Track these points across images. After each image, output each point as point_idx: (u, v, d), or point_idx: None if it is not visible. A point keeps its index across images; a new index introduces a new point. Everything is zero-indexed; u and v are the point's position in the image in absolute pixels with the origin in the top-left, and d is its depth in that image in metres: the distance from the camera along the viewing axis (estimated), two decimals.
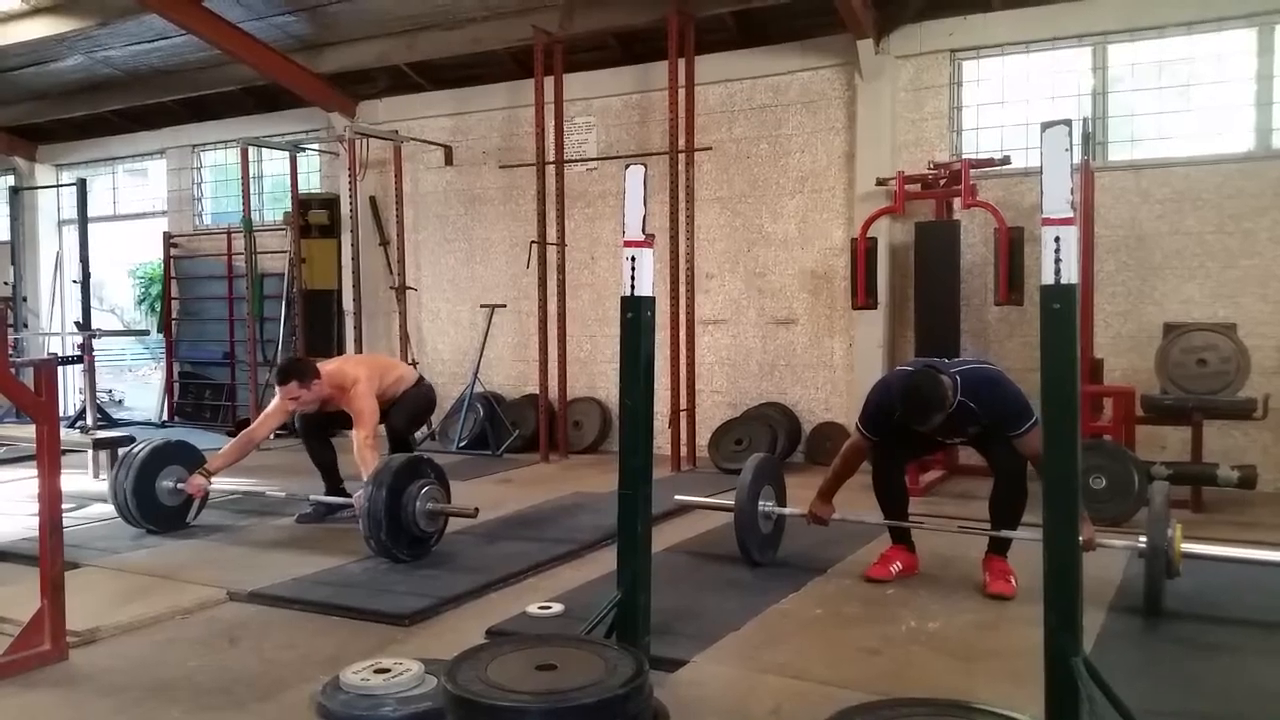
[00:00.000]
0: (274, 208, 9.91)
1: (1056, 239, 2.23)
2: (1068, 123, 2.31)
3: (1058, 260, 2.22)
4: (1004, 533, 3.87)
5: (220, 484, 5.26)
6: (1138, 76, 6.45)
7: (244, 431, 5.21)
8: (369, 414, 4.94)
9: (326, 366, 5.09)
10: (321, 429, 5.35)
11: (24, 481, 6.20)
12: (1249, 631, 3.38)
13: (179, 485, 4.96)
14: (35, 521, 3.17)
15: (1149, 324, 6.12)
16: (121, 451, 5.04)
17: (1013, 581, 3.79)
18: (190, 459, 5.09)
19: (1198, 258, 6.15)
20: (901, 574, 4.05)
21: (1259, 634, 3.36)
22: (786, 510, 4.38)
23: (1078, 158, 5.75)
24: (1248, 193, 6.01)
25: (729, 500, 4.31)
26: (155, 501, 4.95)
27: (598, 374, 8.05)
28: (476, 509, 4.49)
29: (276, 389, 4.95)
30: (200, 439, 8.81)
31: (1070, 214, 2.24)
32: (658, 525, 4.19)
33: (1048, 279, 2.24)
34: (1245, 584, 3.96)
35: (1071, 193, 2.26)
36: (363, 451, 4.76)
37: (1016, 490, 3.83)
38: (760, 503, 4.26)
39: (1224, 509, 5.34)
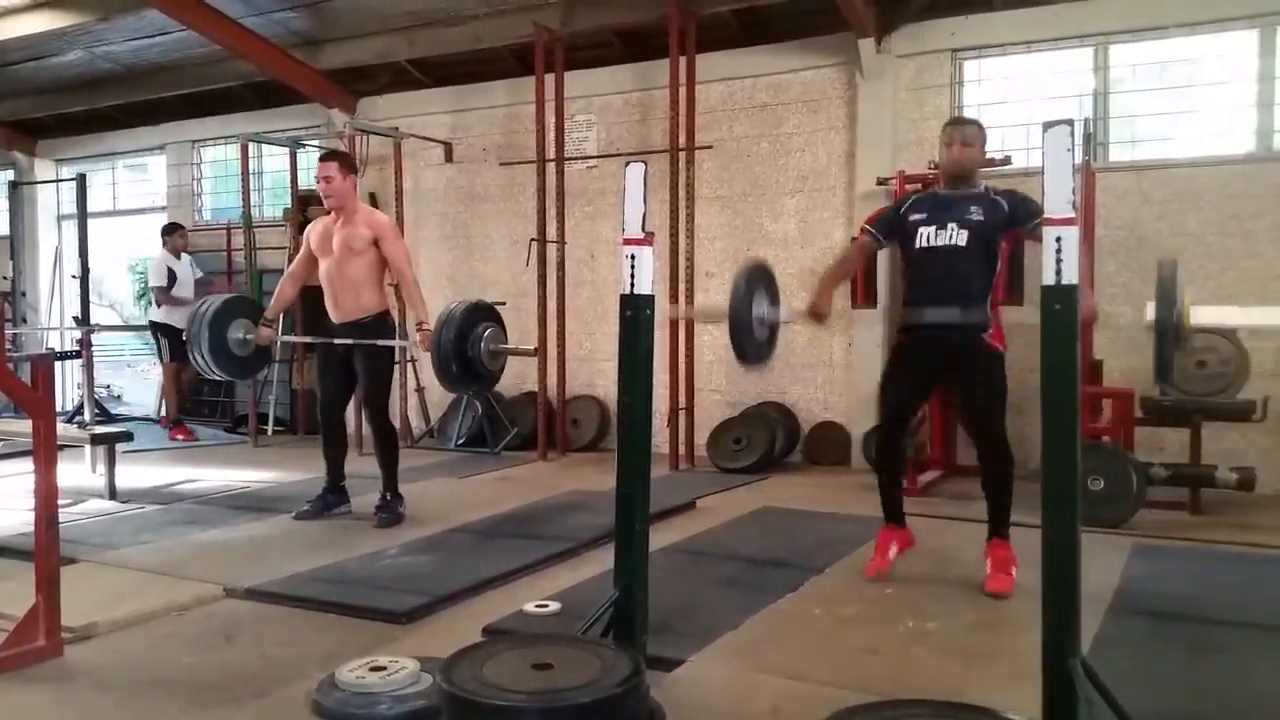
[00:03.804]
0: (274, 204, 9.88)
1: (1058, 239, 2.22)
2: (1070, 123, 2.30)
3: (1059, 261, 2.22)
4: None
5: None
6: (1139, 77, 6.44)
7: (284, 276, 5.37)
8: (408, 258, 5.15)
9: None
10: (339, 410, 5.28)
11: (21, 476, 6.19)
12: (1249, 634, 3.37)
13: (248, 336, 5.17)
14: (31, 516, 3.16)
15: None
16: (193, 311, 5.29)
17: (1013, 574, 3.76)
18: (255, 313, 5.30)
19: (1198, 259, 6.13)
20: (900, 554, 4.06)
21: (1259, 636, 3.35)
22: (781, 314, 4.13)
23: (1079, 158, 5.74)
24: (1248, 194, 6.01)
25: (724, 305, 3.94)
26: (229, 352, 5.16)
27: (596, 372, 8.04)
28: (536, 348, 4.99)
29: (318, 167, 5.03)
30: (198, 435, 8.87)
31: (1072, 214, 2.23)
32: (655, 524, 4.16)
33: (1048, 279, 2.23)
34: (1246, 586, 3.97)
35: (1073, 193, 2.25)
36: (412, 291, 5.03)
37: (999, 455, 3.84)
38: (755, 307, 3.97)
39: (1222, 511, 5.33)
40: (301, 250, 5.25)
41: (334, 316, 5.08)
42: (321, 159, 5.09)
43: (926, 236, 3.89)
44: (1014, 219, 3.79)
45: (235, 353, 5.19)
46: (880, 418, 4.15)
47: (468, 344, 4.70)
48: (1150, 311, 3.27)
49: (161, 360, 8.79)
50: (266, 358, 5.50)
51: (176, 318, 8.38)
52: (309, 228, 5.23)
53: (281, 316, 5.43)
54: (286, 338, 5.38)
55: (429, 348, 4.73)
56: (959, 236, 3.82)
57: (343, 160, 5.08)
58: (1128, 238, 6.30)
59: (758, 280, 3.81)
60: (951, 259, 3.84)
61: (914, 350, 4.01)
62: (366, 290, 5.01)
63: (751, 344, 3.83)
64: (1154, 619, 3.50)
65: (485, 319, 4.84)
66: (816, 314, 4.04)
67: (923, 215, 3.92)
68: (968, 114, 6.82)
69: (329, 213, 5.09)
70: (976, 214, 3.82)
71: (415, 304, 5.02)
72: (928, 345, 3.95)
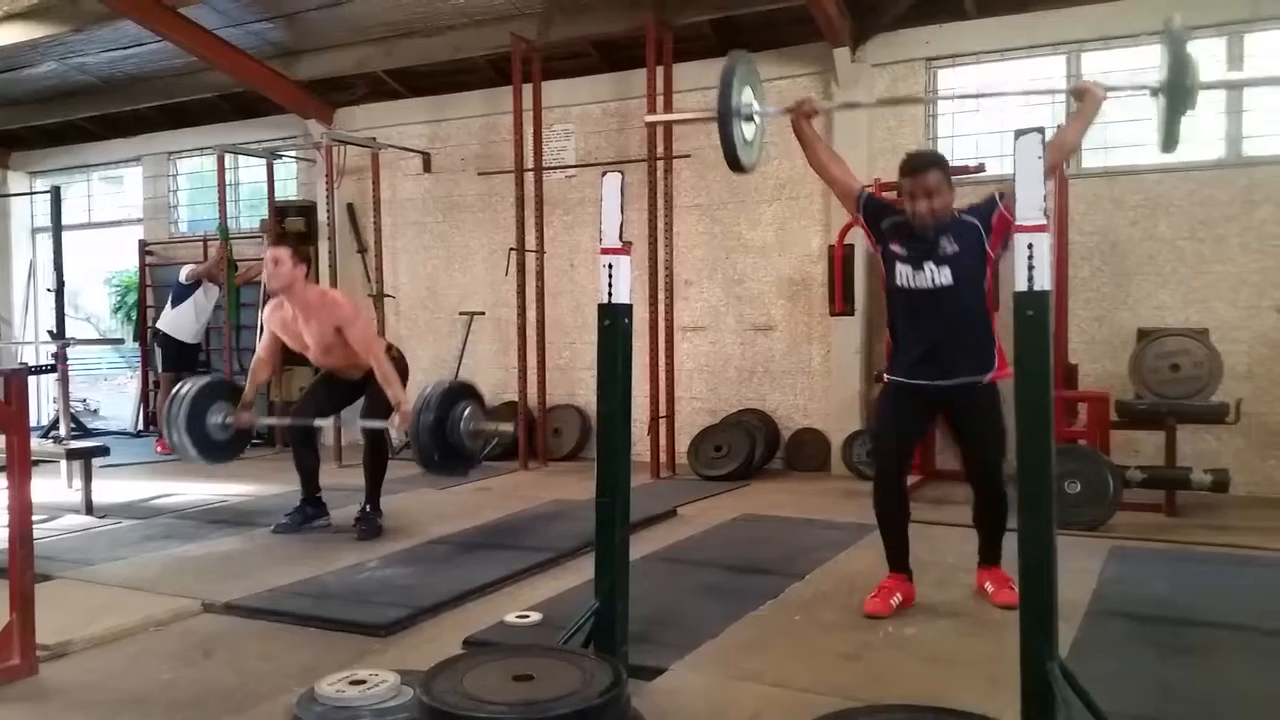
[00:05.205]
0: (250, 215, 9.84)
1: (1030, 246, 2.24)
2: (1040, 130, 2.33)
3: (1031, 267, 2.24)
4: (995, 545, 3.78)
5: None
6: (1111, 84, 6.50)
7: (253, 363, 5.31)
8: (375, 338, 5.09)
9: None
10: (312, 435, 5.28)
11: None
12: (1226, 634, 3.40)
13: (227, 420, 5.12)
14: (5, 533, 3.13)
15: (1123, 329, 6.17)
16: (175, 391, 5.21)
17: (1015, 589, 3.61)
18: (233, 395, 5.25)
19: (1170, 263, 6.22)
20: (902, 606, 3.67)
21: (1236, 636, 3.38)
22: (771, 110, 3.91)
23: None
24: (1219, 199, 6.09)
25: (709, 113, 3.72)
26: (207, 436, 5.11)
27: (577, 381, 8.04)
28: (514, 426, 4.93)
29: (269, 250, 5.00)
30: None
31: (1043, 221, 2.26)
32: (636, 533, 4.18)
33: (1021, 286, 2.26)
34: (1222, 586, 4.01)
35: (1044, 200, 2.28)
36: (385, 371, 4.87)
37: (995, 497, 3.69)
38: (741, 99, 3.71)
39: (1197, 513, 5.39)
40: (265, 336, 5.21)
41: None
42: (273, 244, 5.09)
43: (905, 276, 3.59)
44: (986, 222, 3.53)
45: (214, 437, 5.15)
46: (874, 464, 3.93)
47: (447, 428, 4.59)
48: (1156, 79, 3.07)
49: (157, 369, 8.83)
50: (246, 440, 5.43)
51: (177, 328, 8.42)
52: (265, 315, 5.19)
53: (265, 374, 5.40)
54: (267, 420, 5.29)
55: (408, 430, 4.61)
56: (941, 275, 3.52)
57: (295, 249, 5.00)
58: (1101, 243, 6.37)
59: (743, 77, 3.63)
60: (940, 304, 3.54)
61: (906, 398, 3.72)
62: (360, 358, 4.99)
63: (740, 141, 3.61)
64: (1131, 621, 3.52)
65: (463, 397, 4.73)
66: (804, 110, 3.80)
67: (900, 248, 3.60)
68: (942, 122, 6.90)
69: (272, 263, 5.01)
70: (950, 246, 3.52)
71: (390, 384, 4.85)
72: (922, 393, 3.67)
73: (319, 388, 5.27)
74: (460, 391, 4.77)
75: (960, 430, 3.77)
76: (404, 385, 5.15)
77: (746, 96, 3.70)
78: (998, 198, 3.57)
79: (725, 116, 3.58)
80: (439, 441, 4.57)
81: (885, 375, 3.86)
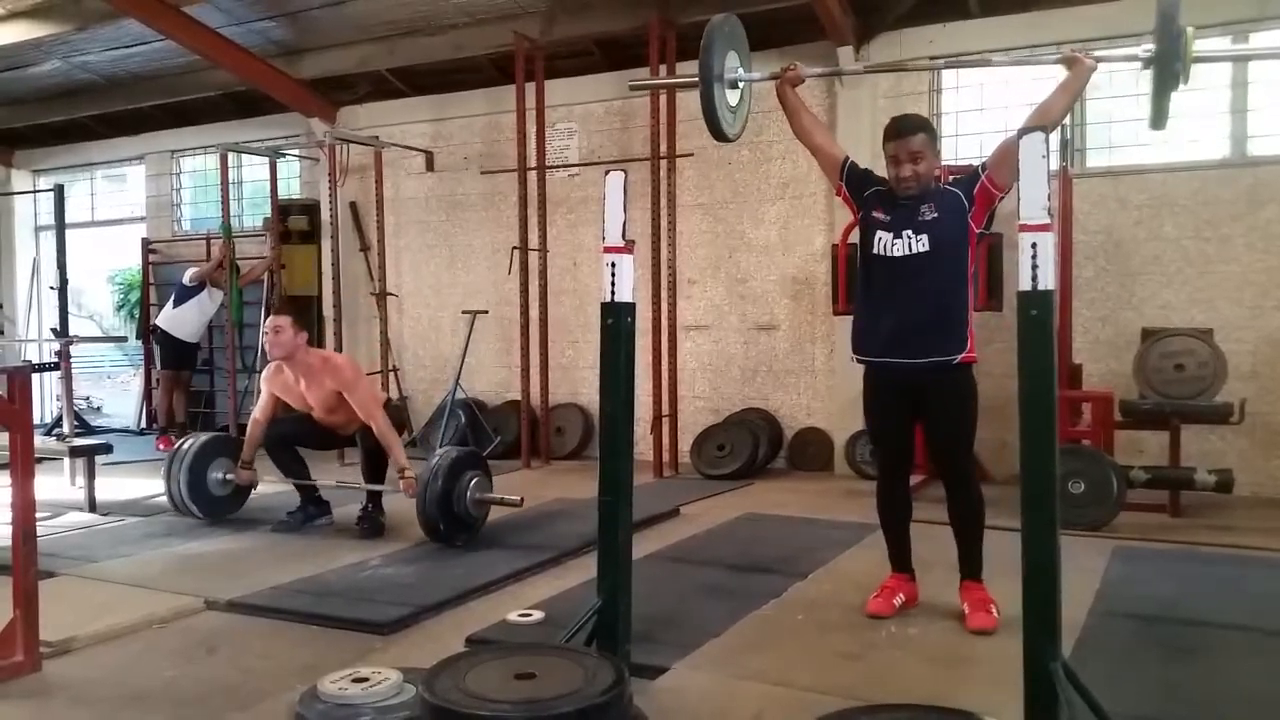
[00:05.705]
0: (254, 214, 9.85)
1: (1033, 245, 2.24)
2: (1044, 129, 2.33)
3: (1034, 266, 2.24)
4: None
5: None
6: (1115, 84, 6.50)
7: (250, 424, 5.35)
8: (375, 400, 5.10)
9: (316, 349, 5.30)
10: (289, 443, 5.29)
11: None
12: (1229, 634, 3.39)
13: (228, 477, 5.28)
14: (8, 530, 3.13)
15: (1127, 329, 6.16)
16: (176, 448, 5.40)
17: (994, 612, 3.48)
18: (235, 452, 5.35)
19: (1175, 263, 6.20)
20: (905, 606, 3.64)
21: (1239, 637, 3.38)
22: (756, 76, 3.76)
23: (1056, 164, 5.79)
24: (1223, 199, 6.07)
25: (692, 78, 3.51)
26: (207, 493, 5.27)
27: (580, 380, 8.04)
28: (521, 498, 4.93)
29: (270, 318, 5.03)
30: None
31: (1047, 220, 2.25)
32: (639, 532, 4.17)
33: (1025, 285, 2.25)
34: (1225, 587, 4.00)
35: (1048, 199, 2.27)
36: (386, 435, 4.90)
37: (967, 494, 3.55)
38: (725, 66, 3.54)
39: (1201, 513, 5.38)
40: (263, 398, 5.23)
41: None
42: (275, 312, 5.14)
43: (884, 243, 3.47)
44: (969, 193, 3.43)
45: (214, 493, 5.28)
46: (876, 463, 3.82)
47: (453, 499, 4.65)
48: (1146, 48, 2.92)
49: (158, 366, 8.86)
50: (246, 495, 5.50)
51: (176, 326, 8.43)
52: (265, 377, 5.22)
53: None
54: (268, 479, 5.35)
55: (413, 495, 4.68)
56: (919, 242, 3.40)
57: (296, 316, 5.05)
58: (1105, 242, 6.36)
59: (726, 40, 3.48)
60: (916, 272, 3.40)
61: (882, 386, 3.61)
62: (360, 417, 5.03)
63: (723, 107, 3.48)
64: (1135, 621, 3.52)
65: (468, 467, 4.78)
66: (790, 73, 3.66)
67: (881, 215, 3.49)
68: (945, 121, 6.88)
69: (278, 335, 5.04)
70: (930, 213, 3.41)
71: (391, 448, 4.90)
72: (894, 375, 3.54)
73: (303, 419, 5.27)
74: (467, 461, 4.82)
75: (926, 417, 3.58)
76: (401, 434, 5.21)
77: (731, 61, 3.56)
78: (980, 169, 3.50)
79: (707, 81, 3.41)
80: (445, 512, 4.62)
81: (854, 356, 3.66)
